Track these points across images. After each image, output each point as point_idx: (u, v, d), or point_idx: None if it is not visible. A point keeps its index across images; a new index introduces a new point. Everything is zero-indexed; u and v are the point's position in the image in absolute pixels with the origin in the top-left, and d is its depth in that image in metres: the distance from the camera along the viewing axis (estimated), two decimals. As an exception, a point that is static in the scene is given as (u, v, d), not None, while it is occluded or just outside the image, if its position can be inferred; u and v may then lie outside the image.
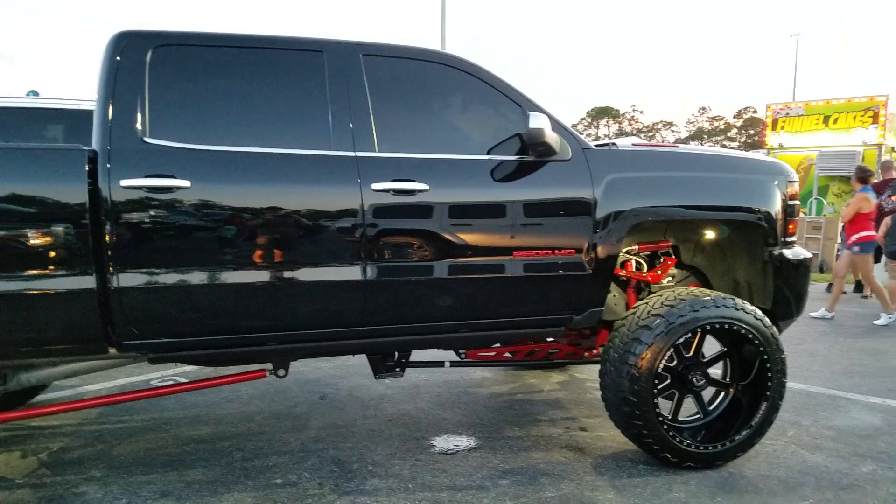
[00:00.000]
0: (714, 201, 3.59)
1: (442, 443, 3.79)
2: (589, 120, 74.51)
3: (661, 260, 3.97)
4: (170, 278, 2.83)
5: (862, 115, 13.58)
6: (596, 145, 3.55)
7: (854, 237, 7.90)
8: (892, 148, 14.09)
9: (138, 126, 2.83)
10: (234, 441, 3.82)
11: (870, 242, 7.87)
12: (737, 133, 72.57)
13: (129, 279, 2.78)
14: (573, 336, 4.18)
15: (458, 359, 3.88)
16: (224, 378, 3.44)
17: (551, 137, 3.15)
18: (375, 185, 3.04)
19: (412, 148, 3.20)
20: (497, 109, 3.35)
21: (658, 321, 3.33)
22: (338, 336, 3.16)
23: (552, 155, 3.28)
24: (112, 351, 2.93)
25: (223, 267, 2.90)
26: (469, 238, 3.19)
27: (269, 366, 3.41)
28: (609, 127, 73.94)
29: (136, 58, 2.90)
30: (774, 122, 14.92)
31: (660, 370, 3.33)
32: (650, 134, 72.44)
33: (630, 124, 77.39)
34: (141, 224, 2.79)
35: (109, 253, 2.75)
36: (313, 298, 3.05)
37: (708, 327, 3.36)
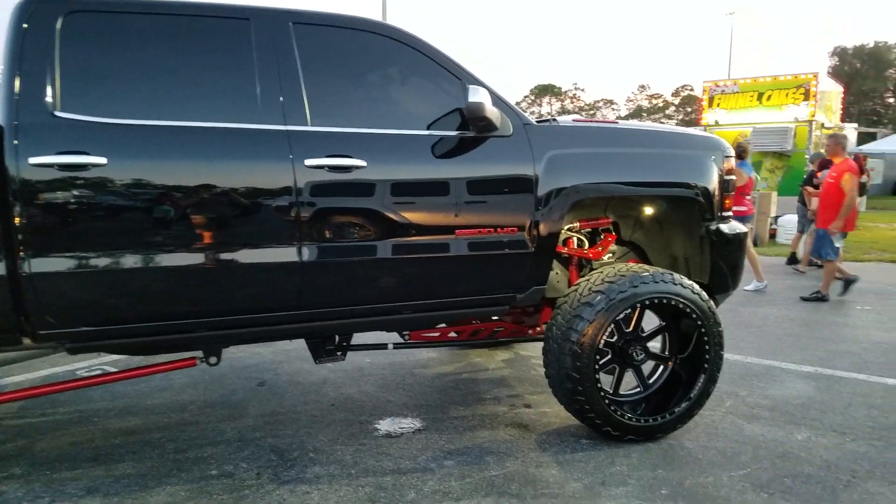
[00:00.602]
0: (653, 177, 3.59)
1: (386, 426, 3.72)
2: (532, 98, 74.94)
3: (602, 237, 3.97)
4: (86, 263, 2.65)
5: (794, 92, 13.99)
6: (537, 121, 3.50)
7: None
8: (822, 124, 14.60)
9: (48, 99, 2.63)
10: (166, 432, 3.67)
11: (742, 217, 7.85)
12: (675, 111, 74.23)
13: (42, 264, 2.60)
14: (517, 314, 4.16)
15: (401, 341, 3.81)
16: (153, 367, 3.28)
17: (492, 112, 3.08)
18: (309, 161, 2.91)
19: (348, 122, 3.07)
20: (436, 83, 3.26)
21: (599, 298, 3.33)
22: (273, 321, 3.03)
23: (493, 131, 3.21)
24: (27, 342, 2.74)
25: (145, 250, 2.73)
26: (409, 217, 3.10)
27: (199, 353, 3.27)
28: (551, 105, 74.56)
29: (45, 25, 2.68)
30: (711, 100, 15.25)
31: (601, 346, 3.34)
32: (591, 112, 73.36)
33: (572, 102, 78.24)
34: (54, 205, 2.60)
35: (20, 237, 2.55)
36: (245, 282, 2.92)
37: (647, 302, 3.38)
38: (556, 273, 3.99)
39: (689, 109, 68.34)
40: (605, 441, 3.47)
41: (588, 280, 3.46)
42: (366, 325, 3.31)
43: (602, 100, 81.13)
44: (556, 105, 75.30)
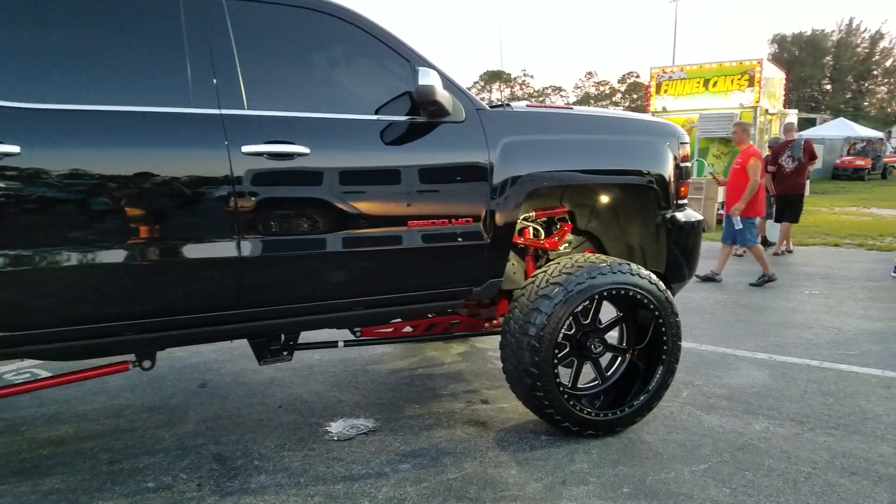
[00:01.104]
0: (609, 165, 3.49)
1: (338, 428, 3.55)
2: (482, 84, 74.82)
3: (558, 226, 3.86)
4: (-2, 263, 2.39)
5: (739, 79, 14.19)
6: (491, 107, 3.35)
7: None
8: (766, 110, 14.88)
9: (-50, 83, 2.34)
10: (99, 441, 3.42)
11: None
12: (621, 98, 75.25)
13: (-55, 267, 2.32)
14: (473, 307, 4.02)
15: (353, 338, 3.63)
16: (81, 373, 3.03)
17: (443, 96, 2.91)
18: (246, 148, 2.69)
19: (289, 106, 2.86)
20: (384, 65, 3.06)
21: (557, 290, 3.21)
22: (210, 321, 2.81)
23: (445, 115, 3.04)
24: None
25: (66, 247, 2.47)
26: (357, 207, 2.92)
27: (132, 357, 3.03)
28: (501, 91, 74.60)
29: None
30: (658, 86, 15.36)
31: (560, 339, 3.23)
32: (540, 98, 73.75)
33: (521, 89, 78.47)
34: (-43, 200, 2.32)
35: None
36: (178, 280, 2.69)
37: (605, 293, 3.28)
38: (513, 264, 3.87)
39: (635, 96, 69.40)
40: (564, 437, 3.37)
41: (545, 272, 3.34)
42: (313, 324, 3.12)
43: (551, 86, 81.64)
44: (507, 91, 75.42)
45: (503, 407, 3.80)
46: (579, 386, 3.53)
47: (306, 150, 2.79)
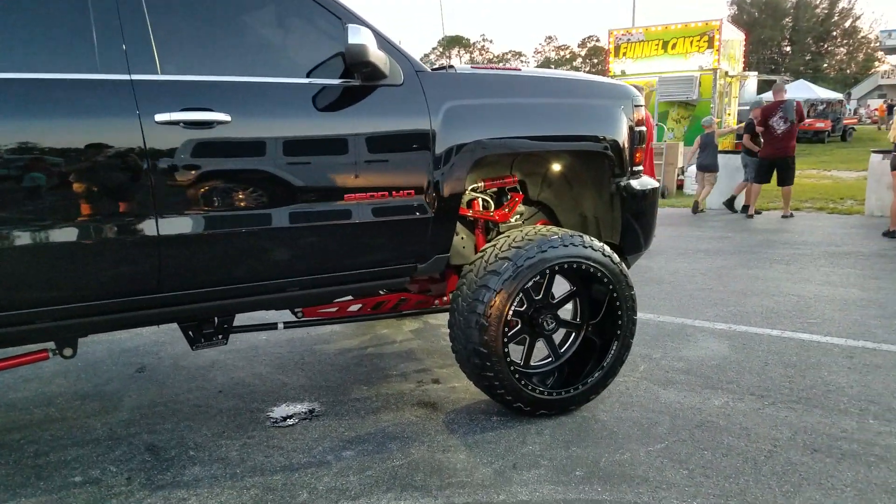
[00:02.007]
0: (559, 130, 3.30)
1: (280, 413, 3.37)
2: (441, 50, 73.67)
3: (509, 197, 3.68)
4: None
5: (698, 41, 14.08)
6: (433, 69, 3.13)
7: None
8: (727, 73, 14.83)
9: None
10: (26, 432, 3.20)
11: None
12: (582, 62, 74.90)
13: None
14: (423, 283, 3.85)
15: (294, 319, 3.43)
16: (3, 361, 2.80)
17: (377, 56, 2.68)
18: (160, 117, 2.44)
19: (208, 69, 2.60)
20: (314, 23, 2.81)
21: (506, 265, 3.04)
22: (129, 307, 2.59)
23: (381, 78, 2.82)
24: None
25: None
26: (286, 181, 2.69)
27: (52, 344, 2.80)
28: (461, 57, 73.61)
29: None
30: (616, 49, 15.17)
31: (510, 317, 3.07)
32: (500, 63, 72.99)
33: (481, 54, 77.50)
34: None
35: None
36: (91, 264, 2.45)
37: (556, 268, 3.12)
38: (462, 238, 3.69)
39: (595, 61, 69.12)
40: (516, 418, 3.24)
41: (494, 246, 3.17)
42: (244, 306, 2.90)
43: (511, 51, 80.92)
44: (466, 57, 74.46)
45: (454, 386, 3.66)
46: (532, 364, 3.40)
47: (227, 118, 2.54)
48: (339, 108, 2.79)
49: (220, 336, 3.10)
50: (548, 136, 3.28)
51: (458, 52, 73.96)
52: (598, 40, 71.41)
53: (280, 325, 3.33)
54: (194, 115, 2.50)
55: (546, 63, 75.73)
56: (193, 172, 2.53)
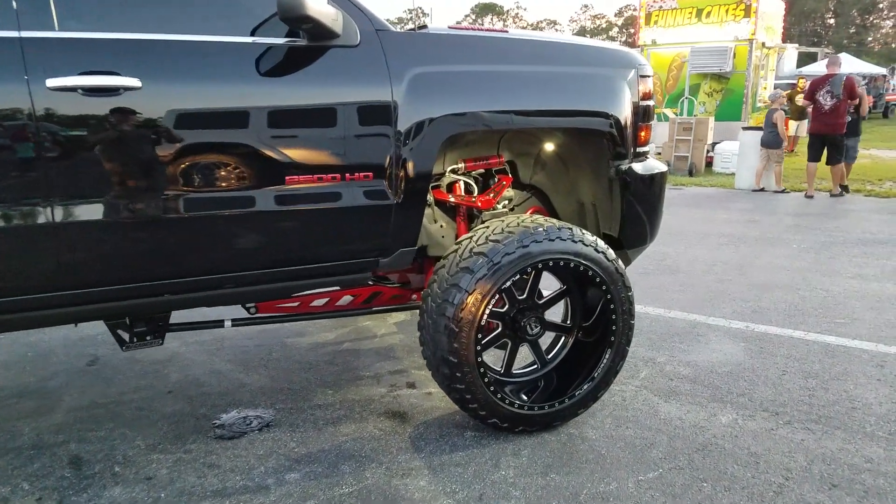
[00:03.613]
0: (550, 104, 2.83)
1: (228, 421, 3.00)
2: (473, 17, 72.21)
3: (496, 180, 3.23)
4: None
5: (734, 9, 13.23)
6: (405, 30, 2.68)
7: None
8: (763, 44, 13.98)
9: None
10: (-53, 438, 2.88)
11: None
12: (618, 32, 72.97)
13: None
14: (403, 274, 3.44)
15: (247, 315, 3.04)
16: None
17: (319, 11, 2.22)
18: (52, 82, 2.03)
19: (115, 25, 2.17)
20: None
21: (480, 261, 2.61)
22: (27, 305, 2.21)
23: (330, 38, 2.38)
24: None
25: None
26: (211, 159, 2.28)
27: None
28: (494, 24, 72.20)
29: None
30: (648, 16, 14.38)
31: (484, 322, 2.65)
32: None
33: (514, 22, 75.90)
34: None
35: None
36: None
37: (540, 265, 2.68)
38: (441, 226, 3.26)
39: (632, 31, 67.21)
40: (493, 433, 2.84)
41: (471, 238, 2.74)
42: (169, 304, 2.52)
43: (545, 20, 79.15)
44: (500, 25, 73.00)
45: (430, 392, 3.26)
46: (514, 371, 2.99)
47: (137, 83, 2.12)
48: (279, 73, 2.35)
49: (152, 336, 2.74)
50: (536, 110, 2.81)
51: (492, 19, 72.51)
52: (635, 9, 69.48)
53: (228, 324, 2.95)
54: (96, 80, 2.09)
55: (581, 32, 73.90)
56: (95, 149, 2.12)
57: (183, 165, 2.24)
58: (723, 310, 4.48)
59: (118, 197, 2.17)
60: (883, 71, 32.18)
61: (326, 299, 3.18)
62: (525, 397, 2.90)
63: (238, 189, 2.33)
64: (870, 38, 52.57)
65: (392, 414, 3.06)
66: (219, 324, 2.95)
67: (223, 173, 2.30)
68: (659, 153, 13.38)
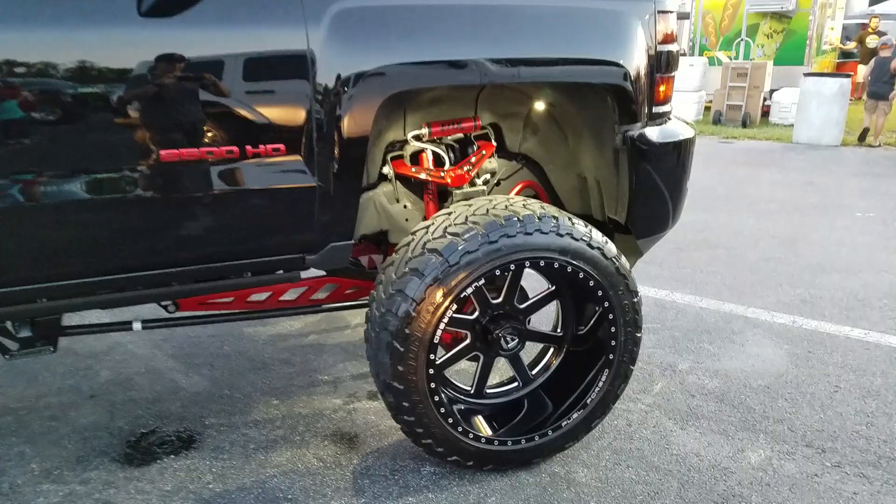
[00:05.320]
0: (532, 50, 2.13)
1: (146, 441, 2.50)
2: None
3: (475, 148, 2.57)
4: None
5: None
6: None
7: None
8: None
9: None
10: None
11: None
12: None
13: None
14: (370, 260, 2.85)
15: (165, 314, 2.50)
16: None
17: None
18: None
19: None
20: None
21: (433, 261, 1.99)
22: None
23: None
24: None
25: None
26: (50, 128, 1.69)
27: None
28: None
29: None
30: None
31: (437, 340, 2.05)
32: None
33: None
34: None
35: None
36: None
37: (513, 267, 2.05)
38: (406, 206, 2.64)
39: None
40: (455, 472, 2.27)
41: (427, 229, 2.11)
42: (31, 312, 2.00)
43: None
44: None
45: (393, 407, 2.69)
46: (487, 391, 2.40)
47: None
48: (148, 9, 1.72)
49: (42, 342, 2.23)
50: (515, 59, 2.12)
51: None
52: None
53: (137, 326, 2.41)
54: None
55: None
56: None
57: (17, 137, 1.66)
58: (766, 298, 3.75)
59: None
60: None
61: (268, 294, 2.62)
62: (497, 426, 2.31)
63: (96, 169, 1.75)
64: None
65: (340, 436, 2.51)
66: (126, 326, 2.42)
67: (70, 147, 1.71)
68: (710, 102, 12.29)
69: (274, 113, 1.87)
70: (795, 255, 4.55)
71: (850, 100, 10.06)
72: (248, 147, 1.87)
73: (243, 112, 1.85)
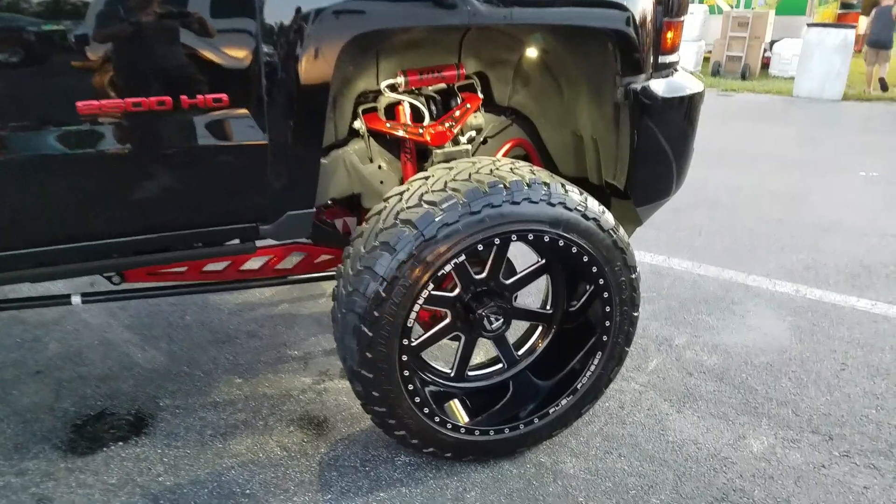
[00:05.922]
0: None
1: (95, 424, 2.27)
2: None
3: (458, 100, 2.29)
4: None
5: None
6: None
7: None
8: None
9: None
10: None
11: None
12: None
13: None
14: (345, 226, 2.58)
15: (110, 286, 2.24)
16: None
17: None
18: None
19: None
20: None
21: (406, 234, 1.74)
22: None
23: None
24: None
25: None
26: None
27: None
28: None
29: None
30: None
31: (411, 324, 1.81)
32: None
33: None
34: None
35: None
36: None
37: (497, 241, 1.80)
38: (380, 167, 2.36)
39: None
40: (432, 462, 2.07)
41: (401, 196, 1.85)
42: None
43: None
44: None
45: (366, 386, 2.47)
46: (469, 374, 2.17)
47: None
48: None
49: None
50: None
51: None
52: None
53: (76, 300, 2.15)
54: None
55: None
56: None
57: None
58: (767, 265, 3.53)
59: None
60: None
61: (227, 263, 2.36)
62: (477, 414, 2.09)
63: (18, 125, 1.47)
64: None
65: (307, 421, 2.29)
66: (65, 300, 2.16)
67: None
68: (709, 53, 11.88)
69: (212, 55, 1.58)
70: (797, 215, 4.32)
71: (854, 50, 9.72)
72: (183, 97, 1.58)
73: (174, 54, 1.56)
